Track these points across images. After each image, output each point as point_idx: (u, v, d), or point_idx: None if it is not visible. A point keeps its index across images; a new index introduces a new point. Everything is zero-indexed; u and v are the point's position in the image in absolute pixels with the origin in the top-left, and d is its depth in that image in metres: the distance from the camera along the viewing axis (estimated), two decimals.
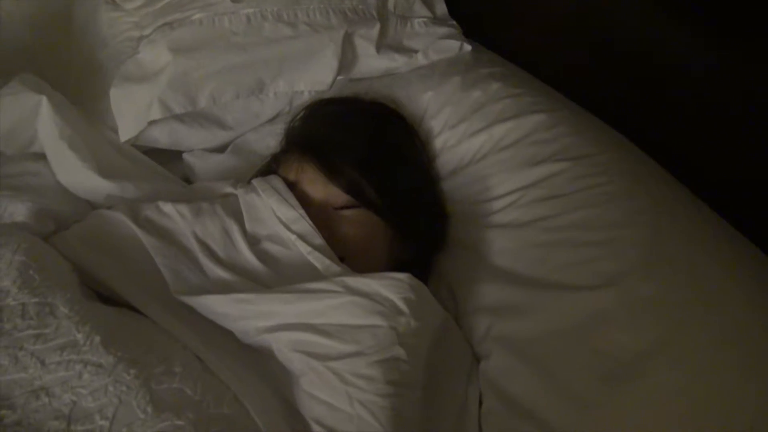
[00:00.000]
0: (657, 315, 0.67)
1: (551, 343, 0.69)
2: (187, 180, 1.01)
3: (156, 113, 0.90)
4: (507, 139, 0.88)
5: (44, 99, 0.88)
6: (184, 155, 1.01)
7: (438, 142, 0.93)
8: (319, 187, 0.82)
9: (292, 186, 0.82)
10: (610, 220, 0.75)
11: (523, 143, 0.86)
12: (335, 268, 0.72)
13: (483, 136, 0.89)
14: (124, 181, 0.87)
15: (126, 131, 0.93)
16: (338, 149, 0.84)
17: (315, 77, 0.97)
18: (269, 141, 0.98)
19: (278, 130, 0.97)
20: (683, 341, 0.65)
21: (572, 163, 0.82)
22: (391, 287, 0.66)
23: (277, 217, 0.78)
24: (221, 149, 1.02)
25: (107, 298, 0.72)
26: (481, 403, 0.71)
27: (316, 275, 0.72)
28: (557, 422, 0.64)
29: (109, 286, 0.72)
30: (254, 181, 0.83)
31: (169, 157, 1.01)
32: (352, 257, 0.78)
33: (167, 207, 0.78)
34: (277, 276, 0.73)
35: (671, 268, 0.70)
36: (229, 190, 0.84)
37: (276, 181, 0.82)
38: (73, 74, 1.02)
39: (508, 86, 0.93)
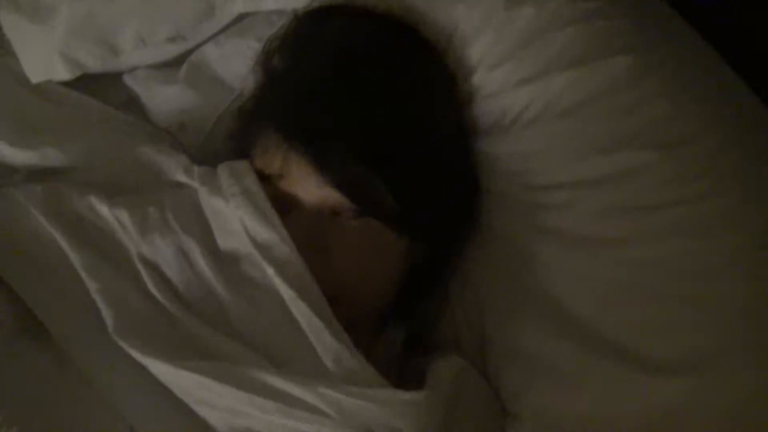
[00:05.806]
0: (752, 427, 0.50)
1: None
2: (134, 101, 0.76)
3: (62, 72, 0.63)
4: (569, 98, 0.60)
5: None
6: (125, 77, 0.74)
7: (470, 84, 0.65)
8: (312, 188, 0.59)
9: (273, 180, 0.60)
10: (708, 263, 0.54)
11: (593, 109, 0.59)
12: (327, 338, 0.53)
13: (534, 88, 0.61)
14: (44, 145, 0.65)
15: (34, 73, 0.66)
16: (337, 130, 0.58)
17: None
18: (236, 64, 0.71)
19: (247, 48, 0.70)
20: None
21: (663, 153, 0.57)
22: (404, 415, 0.49)
23: (249, 236, 0.57)
24: (172, 63, 0.75)
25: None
26: None
27: (298, 334, 0.54)
28: None
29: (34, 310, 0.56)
30: (221, 174, 0.61)
31: (107, 82, 0.75)
32: (350, 291, 0.59)
33: (103, 210, 0.59)
34: (250, 313, 0.56)
35: None
36: (182, 179, 0.63)
37: (248, 179, 0.60)
38: None
39: None
